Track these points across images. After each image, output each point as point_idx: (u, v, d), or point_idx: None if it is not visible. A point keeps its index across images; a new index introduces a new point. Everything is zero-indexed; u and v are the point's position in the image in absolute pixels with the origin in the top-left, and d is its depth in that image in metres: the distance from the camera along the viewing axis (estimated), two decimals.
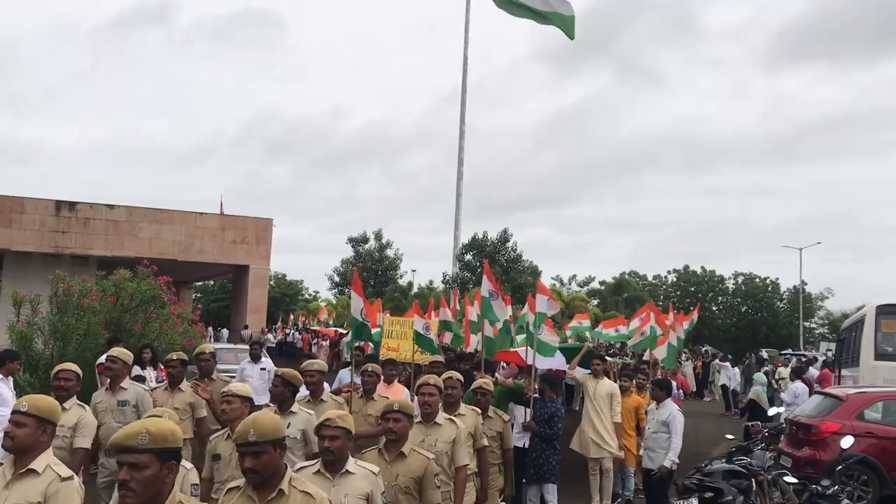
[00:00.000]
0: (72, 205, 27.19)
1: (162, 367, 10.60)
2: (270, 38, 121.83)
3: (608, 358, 14.56)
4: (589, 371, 10.26)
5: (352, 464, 4.18)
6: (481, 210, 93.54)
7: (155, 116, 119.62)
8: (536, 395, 8.80)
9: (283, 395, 5.79)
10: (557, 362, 10.75)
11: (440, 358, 10.37)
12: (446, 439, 5.48)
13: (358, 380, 8.12)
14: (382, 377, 7.90)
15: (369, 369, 7.59)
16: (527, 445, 8.67)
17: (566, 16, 17.12)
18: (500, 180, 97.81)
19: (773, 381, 20.84)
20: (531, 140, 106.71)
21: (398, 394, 7.95)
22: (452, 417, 5.78)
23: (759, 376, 18.90)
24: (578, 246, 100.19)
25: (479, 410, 6.59)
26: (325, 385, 6.97)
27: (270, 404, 6.06)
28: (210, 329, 29.92)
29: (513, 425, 8.80)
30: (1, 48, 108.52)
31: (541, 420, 8.49)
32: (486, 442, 6.38)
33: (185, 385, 7.02)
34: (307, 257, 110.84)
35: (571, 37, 17.32)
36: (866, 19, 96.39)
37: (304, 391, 6.94)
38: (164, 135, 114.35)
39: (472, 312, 13.42)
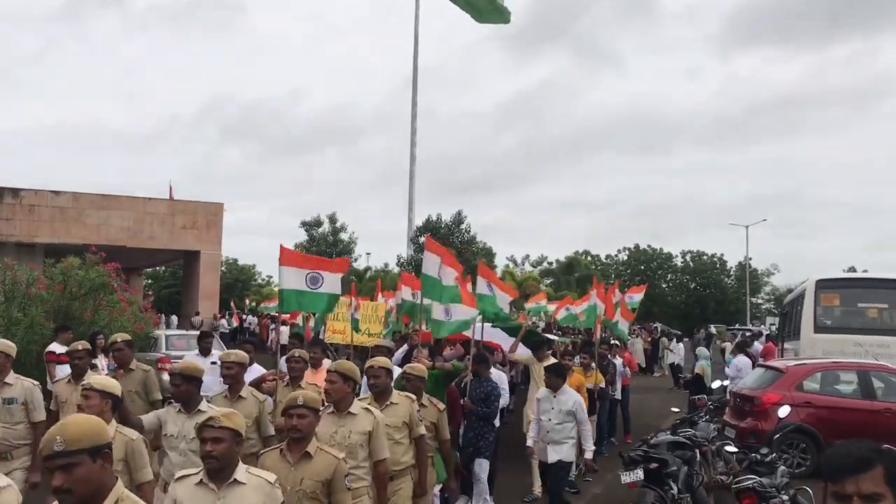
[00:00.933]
0: (15, 191, 26.56)
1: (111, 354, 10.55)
2: (228, 21, 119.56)
3: (553, 337, 14.23)
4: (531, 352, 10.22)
5: (242, 472, 3.63)
6: (439, 193, 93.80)
7: (108, 100, 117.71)
8: (470, 378, 8.67)
9: (186, 394, 5.19)
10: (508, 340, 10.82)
11: (388, 343, 9.64)
12: (361, 430, 5.05)
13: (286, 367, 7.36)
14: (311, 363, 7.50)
15: (296, 355, 7.10)
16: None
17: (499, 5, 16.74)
18: (458, 163, 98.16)
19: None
20: (490, 123, 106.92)
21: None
22: (369, 406, 5.34)
23: (703, 350, 19.38)
24: (535, 227, 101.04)
25: (413, 397, 6.01)
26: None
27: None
28: (162, 316, 29.50)
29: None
30: None
31: (477, 399, 8.41)
32: (422, 430, 5.87)
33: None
34: (262, 242, 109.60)
35: (507, 21, 17.14)
36: (818, 1, 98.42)
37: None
38: (117, 119, 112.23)
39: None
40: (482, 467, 8.24)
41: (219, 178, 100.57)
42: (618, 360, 13.92)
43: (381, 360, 5.94)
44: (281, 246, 7.77)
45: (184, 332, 19.93)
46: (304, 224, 53.70)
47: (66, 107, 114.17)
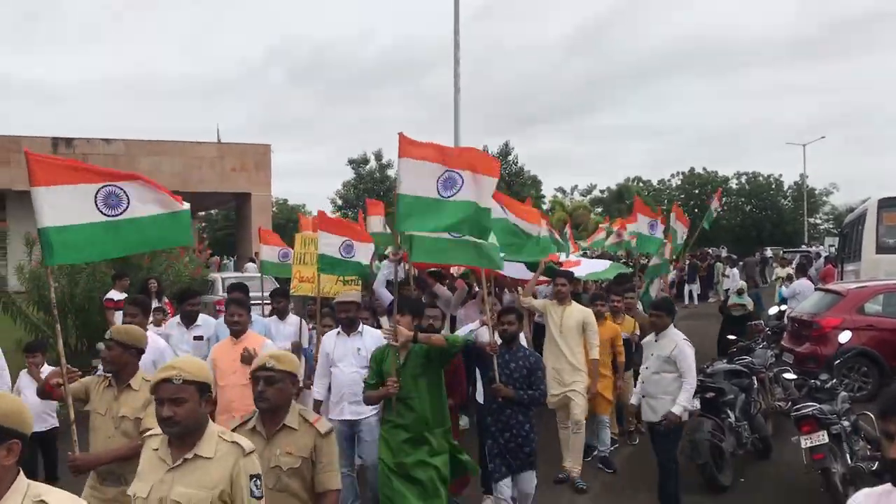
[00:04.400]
0: (69, 141, 27.03)
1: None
2: None
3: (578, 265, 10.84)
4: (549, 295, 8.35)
5: (211, 439, 3.07)
6: (506, 125, 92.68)
7: (175, 48, 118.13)
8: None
9: (120, 361, 4.32)
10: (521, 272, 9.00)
11: (355, 297, 6.70)
12: None
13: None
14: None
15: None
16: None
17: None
18: (521, 95, 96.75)
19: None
20: (556, 52, 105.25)
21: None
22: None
23: (738, 281, 17.76)
24: (595, 156, 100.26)
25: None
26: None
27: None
28: (225, 258, 29.72)
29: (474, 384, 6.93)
30: None
31: (515, 379, 6.01)
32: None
33: None
34: (324, 182, 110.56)
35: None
36: None
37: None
38: (184, 67, 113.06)
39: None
40: (529, 484, 6.05)
41: (284, 121, 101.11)
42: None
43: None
44: (320, 212, 8.10)
45: (239, 274, 20.27)
46: (351, 162, 53.82)
47: (133, 57, 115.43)
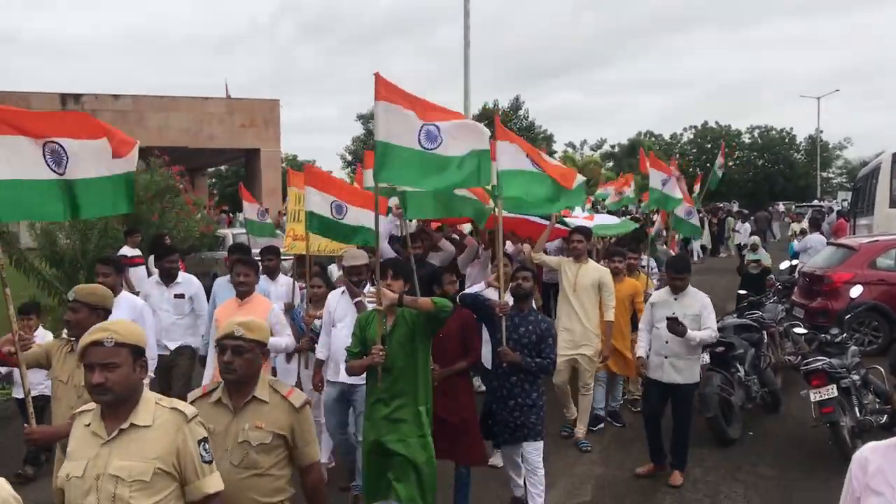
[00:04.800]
0: (77, 97, 26.95)
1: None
2: None
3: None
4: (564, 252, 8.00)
5: (148, 406, 2.84)
6: (516, 79, 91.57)
7: (181, 3, 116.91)
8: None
9: (87, 324, 3.62)
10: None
11: (363, 259, 6.08)
12: None
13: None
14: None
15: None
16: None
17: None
18: (534, 48, 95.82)
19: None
20: (568, 5, 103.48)
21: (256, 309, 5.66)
22: None
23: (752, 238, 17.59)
24: (607, 110, 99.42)
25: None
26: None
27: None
28: (235, 215, 29.80)
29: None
30: None
31: (525, 345, 5.57)
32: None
33: None
34: (335, 137, 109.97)
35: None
36: None
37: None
38: (195, 22, 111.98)
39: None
40: (536, 451, 5.60)
41: (293, 76, 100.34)
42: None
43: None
44: (306, 166, 7.29)
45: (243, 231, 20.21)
46: (360, 117, 53.52)
47: (144, 12, 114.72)
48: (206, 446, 2.85)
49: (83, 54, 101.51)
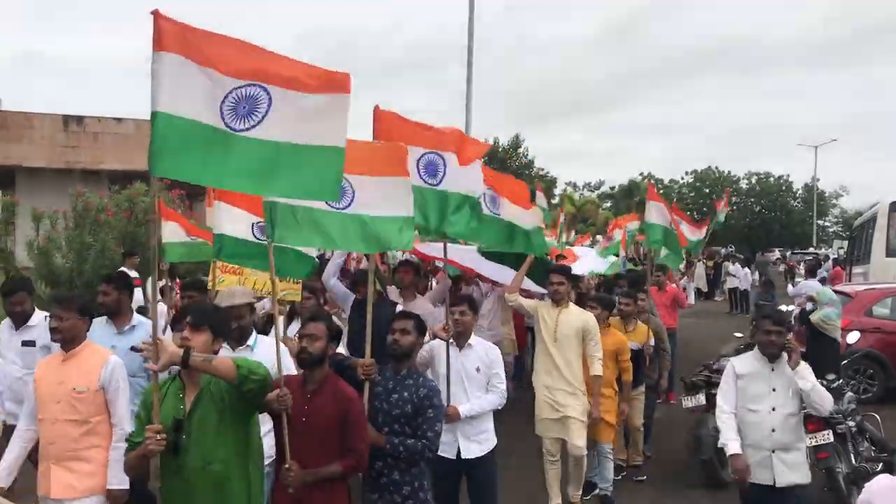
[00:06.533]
0: (79, 119, 27.07)
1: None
2: None
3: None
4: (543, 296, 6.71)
5: None
6: (526, 118, 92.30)
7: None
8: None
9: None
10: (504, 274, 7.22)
11: (243, 298, 4.77)
12: None
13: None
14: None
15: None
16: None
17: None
18: (546, 89, 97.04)
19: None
20: (584, 47, 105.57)
21: None
22: None
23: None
24: (613, 152, 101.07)
25: None
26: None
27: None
28: None
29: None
30: None
31: (392, 415, 4.15)
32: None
33: None
34: None
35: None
36: None
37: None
38: None
39: None
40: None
41: None
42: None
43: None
44: (209, 190, 5.82)
45: None
46: None
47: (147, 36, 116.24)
48: None
49: (92, 78, 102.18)
